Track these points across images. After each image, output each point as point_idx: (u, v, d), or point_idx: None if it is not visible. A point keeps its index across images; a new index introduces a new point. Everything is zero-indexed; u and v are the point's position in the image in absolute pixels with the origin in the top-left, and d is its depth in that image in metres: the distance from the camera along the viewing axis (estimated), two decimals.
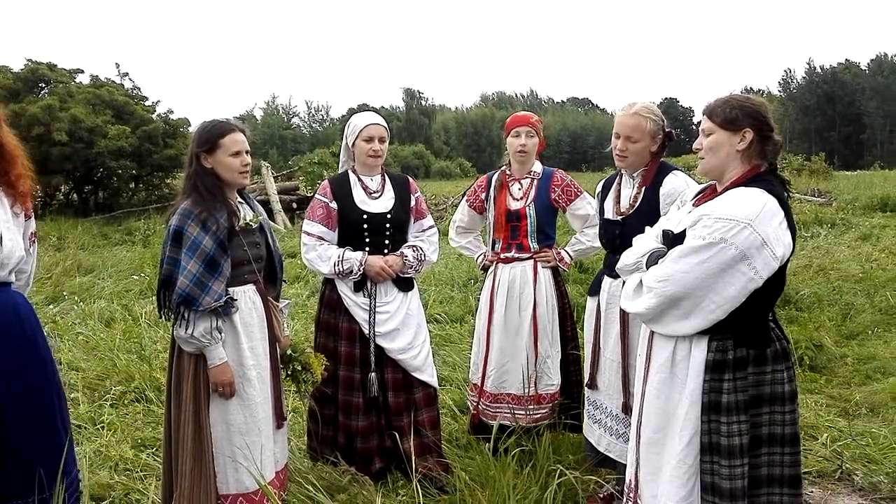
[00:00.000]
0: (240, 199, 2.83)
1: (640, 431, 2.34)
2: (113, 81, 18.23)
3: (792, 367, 2.23)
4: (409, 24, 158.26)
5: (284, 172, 19.71)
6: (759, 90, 66.29)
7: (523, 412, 3.58)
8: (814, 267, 8.47)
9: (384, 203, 3.31)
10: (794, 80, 67.84)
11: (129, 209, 16.25)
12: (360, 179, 3.33)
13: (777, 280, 2.15)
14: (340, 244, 3.29)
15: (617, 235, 3.04)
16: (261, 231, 2.85)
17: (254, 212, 2.86)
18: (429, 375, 3.37)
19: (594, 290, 3.27)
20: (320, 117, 54.96)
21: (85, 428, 4.02)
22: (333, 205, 3.28)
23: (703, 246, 2.07)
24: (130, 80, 18.78)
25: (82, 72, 18.20)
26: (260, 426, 2.76)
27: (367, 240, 3.26)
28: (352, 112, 59.88)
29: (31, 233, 2.60)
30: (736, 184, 2.20)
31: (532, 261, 3.58)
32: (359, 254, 3.23)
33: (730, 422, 2.10)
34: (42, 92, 16.92)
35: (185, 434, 2.67)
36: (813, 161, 25.02)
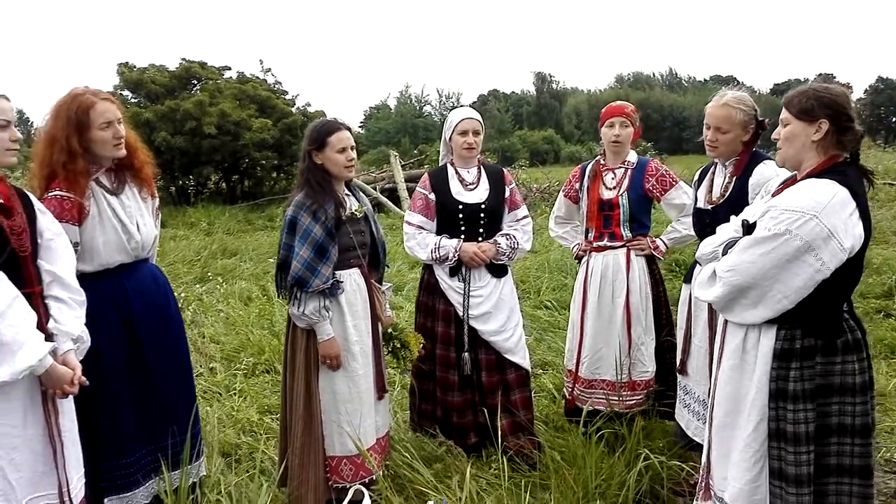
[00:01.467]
0: (347, 191, 3.14)
1: (713, 415, 2.40)
2: (257, 77, 19.51)
3: (866, 359, 2.20)
4: (541, 5, 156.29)
5: (413, 160, 20.34)
6: None
7: (617, 398, 3.67)
8: None
9: (479, 194, 3.50)
10: None
11: (271, 197, 17.35)
12: (457, 172, 3.54)
13: (850, 271, 2.14)
14: (439, 233, 3.52)
15: (707, 224, 3.06)
16: (365, 220, 3.15)
17: (359, 202, 3.16)
18: (521, 358, 3.55)
19: (688, 277, 3.30)
20: (451, 104, 55.72)
21: (219, 394, 4.54)
22: (432, 196, 3.51)
23: (768, 237, 2.10)
24: (273, 75, 19.99)
25: (230, 69, 19.60)
26: (362, 396, 3.06)
27: (463, 228, 3.47)
28: (482, 99, 60.37)
29: (155, 209, 3.03)
30: (810, 174, 2.20)
31: (625, 249, 3.65)
32: (454, 241, 3.45)
33: (796, 409, 2.13)
34: (194, 88, 18.42)
35: (297, 400, 3.02)
36: None
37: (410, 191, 15.66)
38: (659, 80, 72.78)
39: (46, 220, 2.36)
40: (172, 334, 2.96)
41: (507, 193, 3.58)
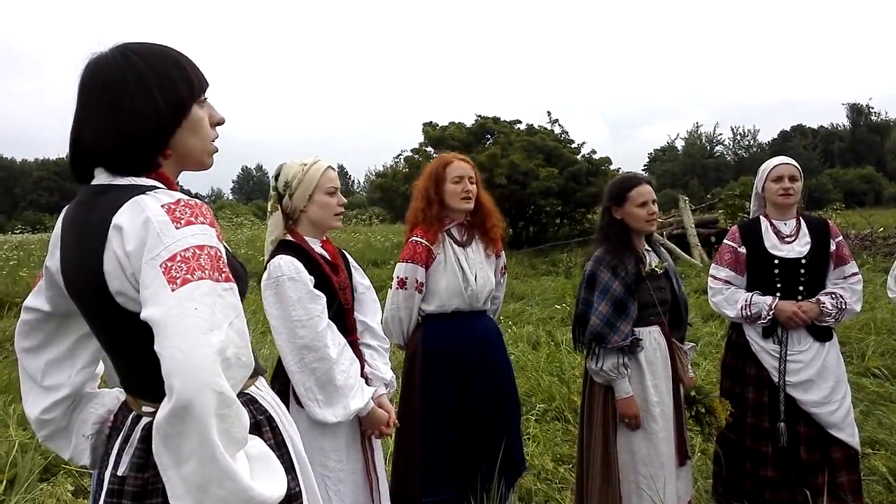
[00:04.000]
0: (647, 247, 3.07)
1: None
2: (544, 128, 20.29)
3: None
4: (854, 24, 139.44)
5: (704, 205, 19.32)
6: None
7: None
8: None
9: (798, 248, 3.17)
10: None
11: (555, 242, 17.76)
12: (772, 224, 3.25)
13: None
14: (749, 288, 3.26)
15: None
16: (666, 276, 3.04)
17: (659, 258, 3.06)
18: (848, 435, 3.09)
19: None
20: (746, 143, 52.00)
21: None
22: (742, 249, 3.27)
23: None
24: (560, 125, 20.63)
25: (520, 122, 20.67)
26: (663, 461, 2.92)
27: (779, 284, 3.17)
28: (784, 134, 55.43)
29: (502, 267, 3.35)
30: None
31: None
32: (768, 298, 3.16)
33: None
34: (488, 142, 19.74)
35: (595, 456, 2.98)
36: None
37: (701, 236, 14.87)
38: None
39: (359, 276, 2.69)
40: (497, 382, 3.16)
41: (833, 247, 3.19)
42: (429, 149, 19.41)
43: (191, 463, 1.18)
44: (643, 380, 2.92)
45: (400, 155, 20.69)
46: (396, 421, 2.55)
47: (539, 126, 20.42)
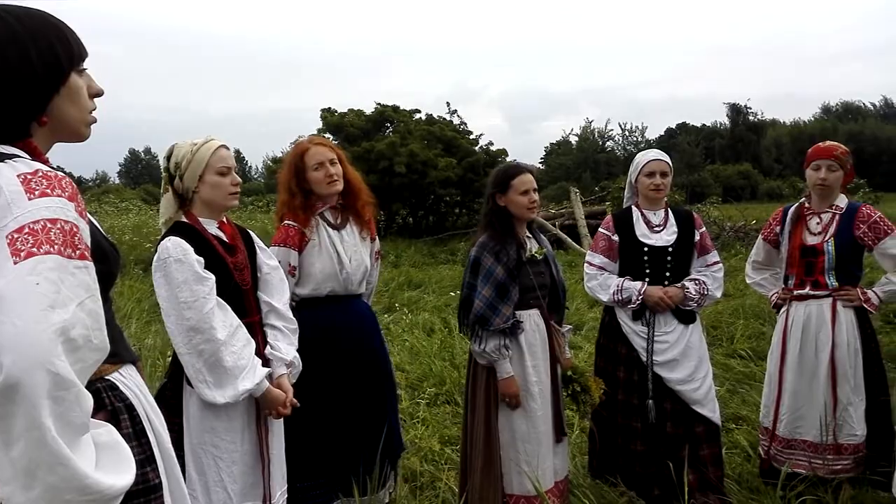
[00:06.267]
0: (528, 233, 3.19)
1: None
2: (443, 118, 20.47)
3: None
4: (734, 33, 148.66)
5: (594, 197, 20.10)
6: None
7: (821, 461, 3.34)
8: None
9: (666, 237, 3.39)
10: None
11: (454, 232, 18.00)
12: (642, 214, 3.46)
13: None
14: (621, 274, 3.45)
15: None
16: (546, 262, 3.17)
17: (539, 244, 3.20)
18: (710, 410, 3.34)
19: None
20: (634, 139, 54.38)
21: (404, 421, 4.73)
22: (615, 237, 3.46)
23: None
24: (458, 116, 20.85)
25: (419, 111, 20.75)
26: (541, 437, 3.06)
27: (648, 270, 3.38)
28: (670, 131, 58.21)
29: (376, 252, 3.34)
30: None
31: (830, 299, 3.34)
32: (638, 283, 3.36)
33: None
34: (387, 131, 19.70)
35: (477, 435, 3.08)
36: None
37: (591, 227, 15.45)
38: (872, 109, 65.73)
39: (265, 256, 2.66)
40: (376, 366, 3.19)
41: (697, 237, 3.43)
42: (327, 135, 19.13)
43: (19, 445, 1.12)
44: (523, 360, 3.04)
45: (297, 141, 20.25)
46: (295, 401, 2.53)
47: (438, 116, 20.57)
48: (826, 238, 3.36)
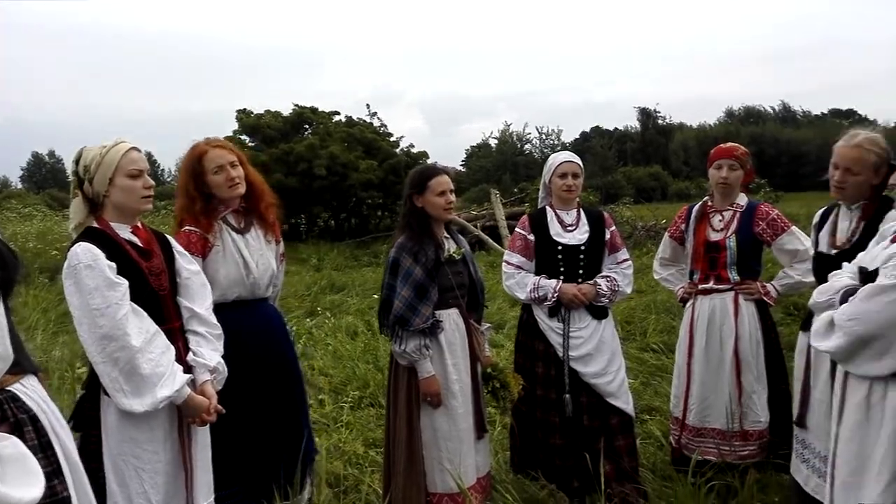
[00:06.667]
0: (446, 234, 3.22)
1: (835, 474, 2.25)
2: (364, 121, 20.39)
3: None
4: (645, 39, 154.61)
5: (514, 198, 20.44)
6: None
7: (728, 448, 3.52)
8: None
9: (578, 235, 3.49)
10: None
11: (376, 234, 17.95)
12: (556, 214, 3.55)
13: None
14: (538, 273, 3.53)
15: (830, 270, 2.91)
16: (464, 262, 3.21)
17: (458, 244, 3.24)
18: (623, 402, 3.46)
19: (805, 325, 3.14)
20: (551, 142, 55.68)
21: (327, 425, 4.69)
22: (531, 237, 3.54)
23: (894, 285, 1.98)
24: (379, 118, 20.85)
25: (339, 113, 20.60)
26: (462, 435, 3.10)
27: (562, 269, 3.47)
28: (584, 135, 59.87)
29: (280, 254, 3.26)
30: None
31: (732, 293, 3.53)
32: (553, 281, 3.45)
33: None
34: (306, 132, 19.45)
35: (400, 436, 3.09)
36: None
37: (511, 228, 15.71)
38: (772, 113, 69.64)
39: (184, 261, 2.58)
40: (286, 371, 3.13)
41: (608, 236, 3.55)
42: (243, 137, 18.73)
43: None
44: (443, 359, 3.07)
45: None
46: (220, 407, 2.47)
47: (359, 118, 20.47)
48: (728, 235, 3.54)
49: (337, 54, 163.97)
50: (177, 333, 2.46)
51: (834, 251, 2.96)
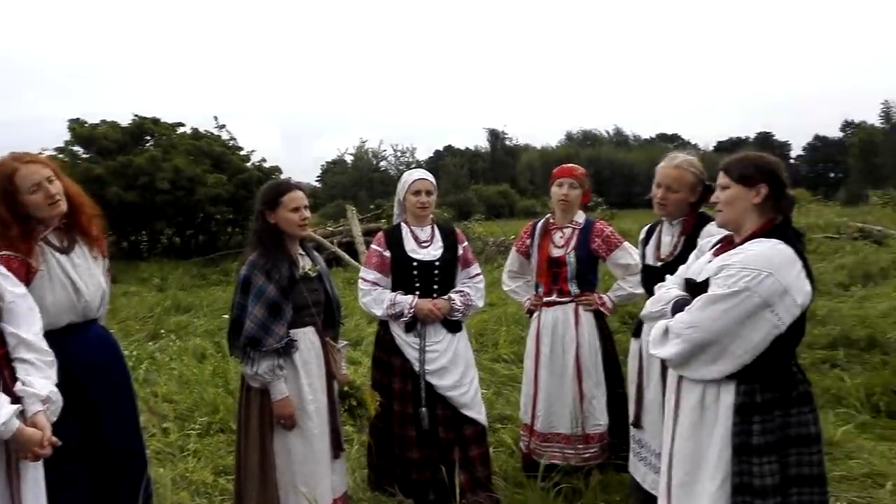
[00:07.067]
0: (301, 251, 3.17)
1: (671, 474, 2.42)
2: (211, 133, 19.56)
3: (815, 410, 2.30)
4: (493, 63, 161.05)
5: (370, 214, 20.45)
6: (860, 122, 62.73)
7: (573, 451, 3.72)
8: None
9: (433, 251, 3.58)
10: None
11: (226, 251, 17.22)
12: (411, 230, 3.62)
13: (798, 326, 2.24)
14: (394, 289, 3.57)
15: (656, 281, 3.17)
16: (319, 279, 3.17)
17: (313, 261, 3.19)
18: (476, 413, 3.57)
19: (637, 332, 3.41)
20: (406, 159, 56.43)
21: (173, 455, 4.42)
22: (387, 253, 3.58)
23: (728, 294, 2.18)
24: (227, 131, 20.04)
25: (183, 125, 19.62)
26: (318, 456, 3.04)
27: (418, 285, 3.53)
28: (438, 154, 61.28)
29: (107, 270, 3.01)
30: (754, 235, 2.31)
31: (573, 304, 3.76)
32: (409, 297, 3.50)
33: (761, 462, 2.18)
34: (147, 144, 18.36)
35: (251, 461, 2.99)
36: None
37: (368, 244, 15.62)
38: (606, 137, 75.12)
39: (8, 284, 2.34)
40: (121, 398, 2.92)
41: (461, 251, 3.66)
42: (76, 148, 17.35)
43: None
44: (298, 380, 3.01)
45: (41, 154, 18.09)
46: (55, 439, 2.23)
47: (206, 131, 19.62)
48: (568, 251, 3.77)
49: (180, 64, 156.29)
50: (1, 361, 2.23)
51: (659, 263, 3.24)
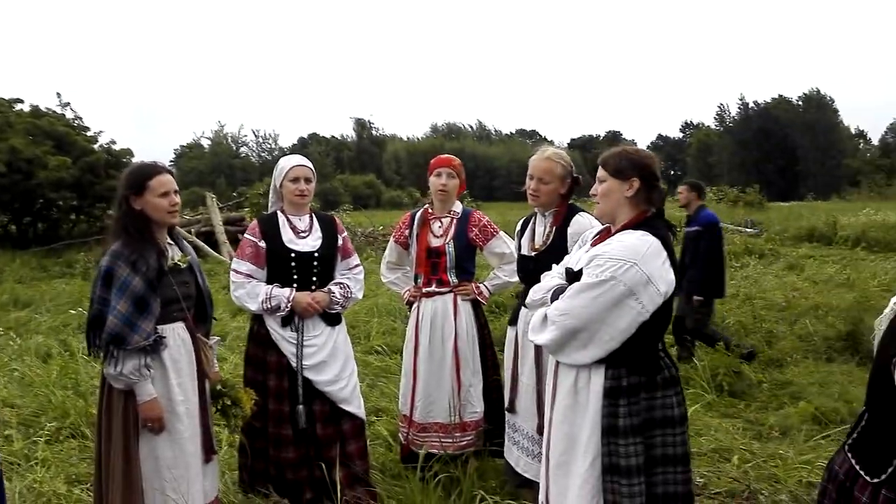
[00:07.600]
0: (170, 241, 2.95)
1: (549, 455, 2.50)
2: (54, 111, 17.93)
3: (681, 393, 2.45)
4: (359, 53, 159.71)
5: (231, 203, 19.62)
6: (698, 123, 68.46)
7: (450, 440, 3.75)
8: (741, 296, 8.79)
9: (311, 242, 3.46)
10: (729, 115, 69.96)
11: (70, 241, 15.92)
12: (288, 219, 3.48)
13: (663, 313, 2.37)
14: (269, 281, 3.42)
15: (532, 270, 3.27)
16: (190, 271, 2.97)
17: (182, 252, 2.98)
18: (356, 407, 3.51)
19: (513, 319, 3.50)
20: (268, 146, 54.73)
21: (18, 464, 4.03)
22: (262, 244, 3.41)
23: (596, 283, 2.27)
24: (72, 110, 18.45)
25: (22, 101, 17.89)
26: (188, 461, 2.86)
27: (295, 277, 3.41)
28: (302, 141, 59.91)
29: None
30: (626, 227, 2.42)
31: (452, 294, 3.79)
32: (286, 290, 3.38)
33: (626, 444, 2.29)
34: None
35: (115, 469, 2.75)
36: (748, 193, 26.04)
37: (229, 234, 15.08)
38: (470, 131, 76.92)
39: None
40: None
41: (340, 241, 3.57)
42: None
43: None
44: (167, 379, 2.80)
45: None
46: None
47: (47, 109, 17.95)
48: (447, 240, 3.80)
49: (17, 35, 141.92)
50: None
51: (533, 253, 3.35)
